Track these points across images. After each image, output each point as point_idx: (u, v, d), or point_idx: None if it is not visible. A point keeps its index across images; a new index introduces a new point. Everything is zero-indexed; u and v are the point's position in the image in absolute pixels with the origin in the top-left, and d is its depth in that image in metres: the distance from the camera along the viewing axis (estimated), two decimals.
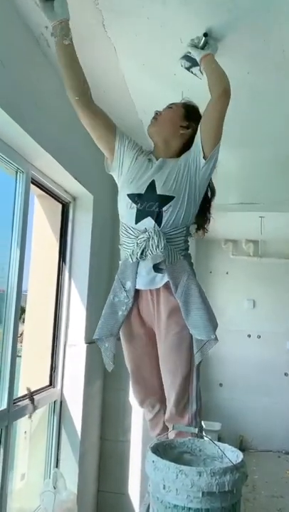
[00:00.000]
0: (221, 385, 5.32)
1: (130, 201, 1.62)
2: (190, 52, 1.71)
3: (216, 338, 1.53)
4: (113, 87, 2.17)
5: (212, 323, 1.55)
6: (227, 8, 1.56)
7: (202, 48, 1.66)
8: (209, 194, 1.76)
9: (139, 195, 1.61)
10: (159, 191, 1.59)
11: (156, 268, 1.58)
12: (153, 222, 1.57)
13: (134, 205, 1.61)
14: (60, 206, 2.63)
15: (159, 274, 1.58)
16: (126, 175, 1.68)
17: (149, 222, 1.57)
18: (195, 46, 1.66)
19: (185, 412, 1.61)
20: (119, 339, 1.71)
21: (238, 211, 3.08)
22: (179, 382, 1.60)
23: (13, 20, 1.66)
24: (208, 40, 1.66)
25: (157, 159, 1.68)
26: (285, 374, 5.13)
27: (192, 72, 1.85)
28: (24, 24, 1.73)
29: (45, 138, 1.94)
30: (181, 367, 1.60)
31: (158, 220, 1.57)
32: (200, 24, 1.65)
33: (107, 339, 1.68)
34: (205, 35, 1.65)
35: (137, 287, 1.62)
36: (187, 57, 1.78)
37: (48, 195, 2.46)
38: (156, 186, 1.60)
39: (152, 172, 1.64)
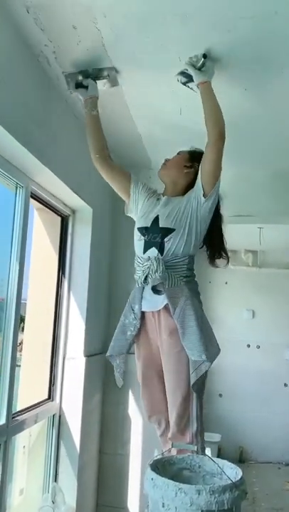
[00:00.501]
0: (220, 395, 5.30)
1: (139, 234, 1.86)
2: (187, 70, 1.78)
3: (207, 360, 1.61)
4: (113, 103, 2.19)
5: (206, 344, 1.63)
6: (227, 28, 1.58)
7: (200, 69, 1.73)
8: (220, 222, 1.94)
9: (146, 228, 1.84)
10: (161, 224, 1.80)
11: (155, 290, 1.75)
12: (156, 251, 1.76)
13: (142, 237, 1.83)
14: (59, 219, 2.64)
15: (161, 297, 1.74)
16: (139, 213, 1.94)
17: (153, 251, 1.77)
18: (193, 65, 1.73)
19: (186, 431, 1.66)
20: (132, 353, 1.87)
21: (236, 223, 3.09)
22: (180, 401, 1.67)
23: (12, 37, 1.68)
24: (206, 62, 1.71)
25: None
26: (285, 384, 5.12)
27: (188, 87, 1.89)
28: (24, 42, 1.75)
29: (45, 154, 1.96)
30: (180, 387, 1.67)
31: (160, 249, 1.76)
32: (199, 44, 1.68)
33: (118, 357, 1.85)
34: (204, 56, 1.70)
35: (143, 309, 1.80)
36: (184, 74, 1.83)
37: (47, 209, 2.47)
38: (160, 220, 1.81)
39: (158, 208, 1.86)
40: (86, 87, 1.90)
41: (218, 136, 1.73)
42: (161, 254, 1.75)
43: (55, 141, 2.13)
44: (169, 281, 1.71)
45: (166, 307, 1.72)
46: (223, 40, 1.65)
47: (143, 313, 1.80)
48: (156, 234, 1.78)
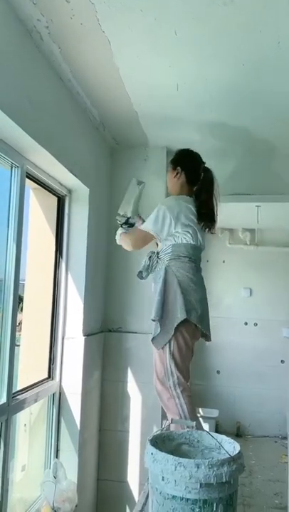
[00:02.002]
0: (218, 372, 5.38)
1: None
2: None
3: (153, 320, 2.04)
4: (108, 80, 2.15)
5: (158, 309, 2.02)
6: (222, 1, 1.54)
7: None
8: (215, 202, 2.25)
9: None
10: None
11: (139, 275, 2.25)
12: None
13: None
14: (55, 199, 2.62)
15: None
16: None
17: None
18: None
19: (164, 386, 2.06)
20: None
21: (234, 202, 3.08)
22: (153, 363, 2.16)
23: (3, 12, 1.63)
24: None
25: None
26: (282, 361, 5.19)
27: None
28: (16, 17, 1.70)
29: (39, 132, 1.93)
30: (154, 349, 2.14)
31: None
32: (194, 15, 1.63)
33: None
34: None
35: None
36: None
37: (43, 189, 2.45)
38: None
39: None
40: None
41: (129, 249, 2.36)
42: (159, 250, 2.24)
43: (50, 120, 2.09)
44: (153, 267, 2.19)
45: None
46: (219, 12, 1.60)
47: None
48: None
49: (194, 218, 2.16)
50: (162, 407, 2.18)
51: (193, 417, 1.96)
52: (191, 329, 2.05)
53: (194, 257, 2.16)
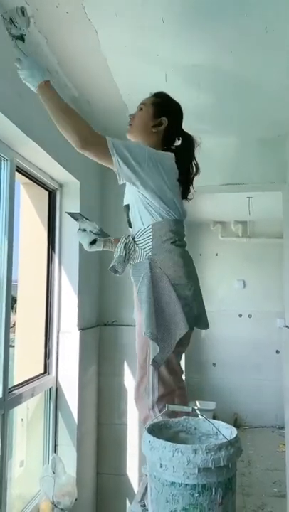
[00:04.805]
0: (214, 364, 5.41)
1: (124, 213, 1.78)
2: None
3: (150, 337, 1.55)
4: (96, 71, 2.13)
5: (152, 323, 1.55)
6: None
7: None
8: (192, 170, 1.77)
9: (125, 205, 1.77)
10: (124, 202, 1.76)
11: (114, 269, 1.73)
12: (130, 229, 1.74)
13: (127, 216, 1.77)
14: (46, 194, 2.60)
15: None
16: None
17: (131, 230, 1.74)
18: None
19: (142, 399, 1.68)
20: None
21: (225, 192, 3.08)
22: (138, 369, 1.70)
23: None
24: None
25: None
26: (277, 351, 5.22)
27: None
28: (1, 7, 1.68)
29: (28, 125, 1.91)
30: (138, 356, 1.69)
31: (130, 226, 1.74)
32: (183, 2, 1.62)
33: None
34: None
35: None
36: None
37: (34, 183, 2.43)
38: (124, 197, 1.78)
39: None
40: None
41: (76, 146, 1.57)
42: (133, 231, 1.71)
43: (39, 112, 2.06)
44: (135, 258, 1.68)
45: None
46: None
47: None
48: (126, 212, 1.76)
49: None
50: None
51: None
52: (188, 336, 1.64)
53: (180, 236, 1.69)
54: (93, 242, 1.84)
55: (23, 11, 1.53)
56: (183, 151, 1.74)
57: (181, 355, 1.73)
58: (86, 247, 1.85)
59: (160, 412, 1.57)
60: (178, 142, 1.80)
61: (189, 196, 1.80)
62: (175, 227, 1.66)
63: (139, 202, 1.66)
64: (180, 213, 1.69)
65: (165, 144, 1.75)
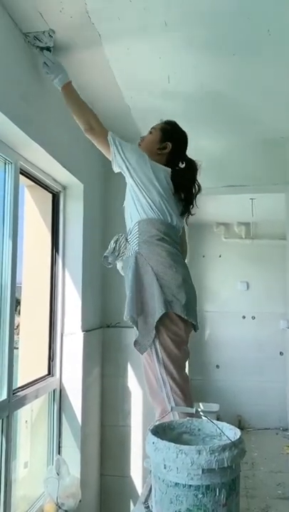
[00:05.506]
0: (217, 366, 5.39)
1: None
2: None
3: (130, 320, 1.73)
4: (99, 74, 2.15)
5: (132, 308, 1.73)
6: None
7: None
8: (195, 189, 1.94)
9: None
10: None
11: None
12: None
13: None
14: (50, 196, 2.62)
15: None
16: None
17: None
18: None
19: (158, 398, 1.78)
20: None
21: (228, 193, 3.08)
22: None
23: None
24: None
25: None
26: (281, 353, 5.20)
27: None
28: (10, 16, 1.70)
29: (33, 128, 1.92)
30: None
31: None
32: (185, 6, 1.63)
33: None
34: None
35: None
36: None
37: (38, 186, 2.45)
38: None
39: None
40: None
41: (84, 130, 1.88)
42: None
43: (42, 115, 2.08)
44: (127, 253, 1.86)
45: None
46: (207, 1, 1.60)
47: None
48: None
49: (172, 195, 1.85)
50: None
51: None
52: (178, 323, 1.73)
53: (167, 236, 1.80)
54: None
55: (50, 34, 1.81)
56: (185, 171, 1.93)
57: (181, 348, 1.77)
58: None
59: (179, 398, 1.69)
60: (182, 165, 1.97)
61: (192, 211, 1.97)
62: (162, 227, 1.80)
63: (131, 200, 1.84)
64: (170, 218, 1.83)
65: (169, 166, 1.90)
